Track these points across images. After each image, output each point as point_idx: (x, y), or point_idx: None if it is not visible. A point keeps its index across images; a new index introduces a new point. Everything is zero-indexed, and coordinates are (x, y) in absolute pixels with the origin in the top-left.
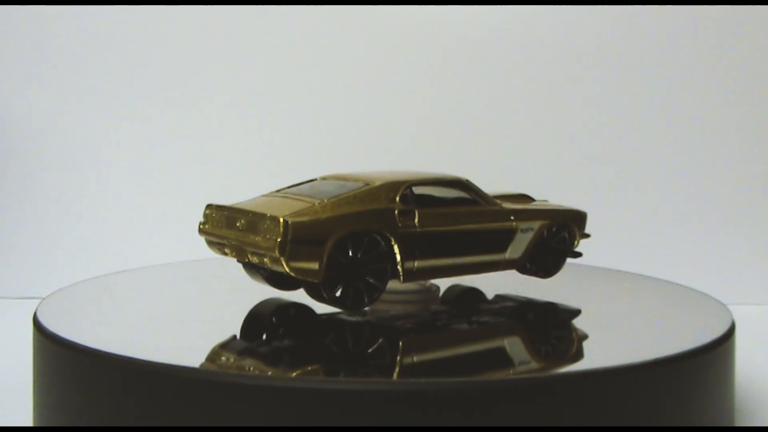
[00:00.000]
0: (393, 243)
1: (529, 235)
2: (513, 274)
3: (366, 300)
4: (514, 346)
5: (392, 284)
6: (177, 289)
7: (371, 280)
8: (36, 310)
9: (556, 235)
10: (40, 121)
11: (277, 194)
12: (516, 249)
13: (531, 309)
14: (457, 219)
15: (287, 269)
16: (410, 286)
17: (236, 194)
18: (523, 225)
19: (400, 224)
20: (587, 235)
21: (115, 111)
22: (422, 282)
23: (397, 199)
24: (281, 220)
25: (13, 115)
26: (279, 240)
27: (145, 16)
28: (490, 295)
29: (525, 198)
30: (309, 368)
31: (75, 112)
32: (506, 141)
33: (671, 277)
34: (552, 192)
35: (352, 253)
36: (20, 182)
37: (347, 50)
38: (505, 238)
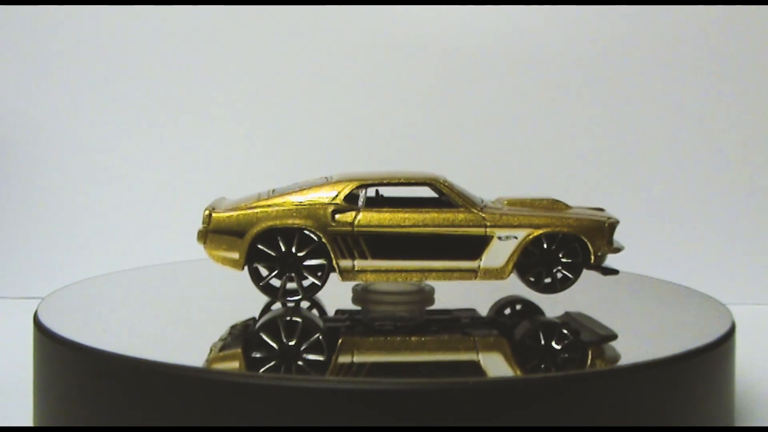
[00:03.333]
0: (323, 240)
1: (512, 244)
2: (595, 289)
3: (300, 293)
4: (479, 358)
5: (387, 284)
6: (177, 289)
7: (307, 275)
8: (36, 309)
9: (565, 247)
10: (40, 120)
11: (275, 189)
12: (494, 258)
13: (541, 326)
14: (410, 222)
15: (210, 257)
16: (403, 286)
17: (237, 194)
18: (501, 232)
19: (333, 223)
20: (616, 249)
21: (115, 110)
22: (416, 282)
23: (341, 197)
24: (206, 211)
25: (13, 113)
26: (200, 230)
27: (145, 15)
28: (552, 312)
29: (556, 204)
30: (223, 355)
31: (75, 112)
32: (510, 142)
33: (671, 277)
34: (552, 193)
35: (285, 247)
36: (20, 182)
37: (357, 49)
38: (476, 244)
